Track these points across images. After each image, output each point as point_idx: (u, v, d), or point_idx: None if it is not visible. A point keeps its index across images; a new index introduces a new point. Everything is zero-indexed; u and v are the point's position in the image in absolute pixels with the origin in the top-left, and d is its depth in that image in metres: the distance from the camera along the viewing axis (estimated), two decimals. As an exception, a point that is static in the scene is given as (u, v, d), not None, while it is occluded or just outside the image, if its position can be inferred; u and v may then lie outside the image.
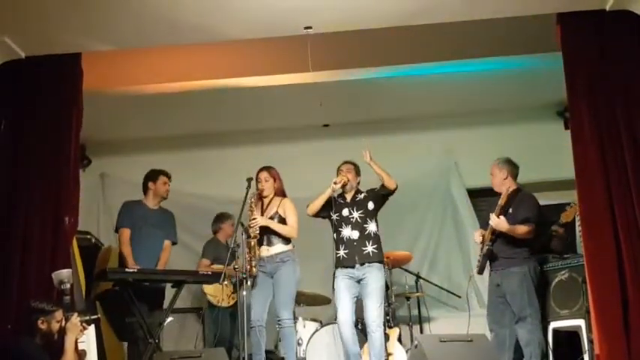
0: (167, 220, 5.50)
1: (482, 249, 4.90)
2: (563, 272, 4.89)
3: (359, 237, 4.84)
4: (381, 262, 4.86)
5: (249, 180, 5.01)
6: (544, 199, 6.57)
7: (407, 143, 6.92)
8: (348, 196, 4.99)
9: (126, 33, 4.68)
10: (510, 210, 4.83)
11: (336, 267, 4.89)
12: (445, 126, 6.94)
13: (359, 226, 4.87)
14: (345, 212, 4.92)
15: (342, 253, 4.85)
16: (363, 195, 4.99)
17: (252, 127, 6.88)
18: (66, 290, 4.11)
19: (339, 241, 4.89)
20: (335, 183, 4.86)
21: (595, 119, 4.58)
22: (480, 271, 4.99)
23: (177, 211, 6.37)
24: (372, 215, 4.92)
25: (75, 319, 3.92)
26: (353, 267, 4.81)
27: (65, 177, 4.72)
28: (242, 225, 4.96)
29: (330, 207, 4.95)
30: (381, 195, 4.94)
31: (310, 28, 4.71)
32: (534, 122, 6.84)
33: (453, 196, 6.78)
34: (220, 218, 6.21)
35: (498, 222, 4.73)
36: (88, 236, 5.79)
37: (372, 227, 4.88)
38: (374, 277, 4.78)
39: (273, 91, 5.91)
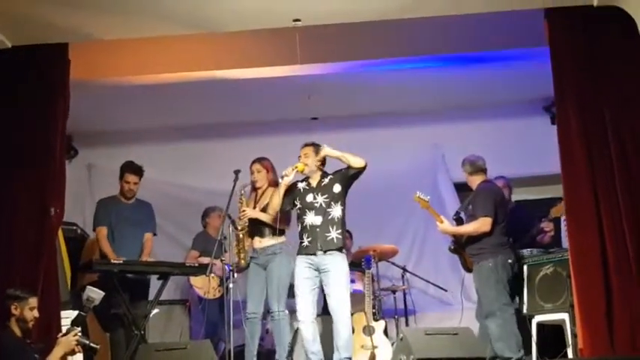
0: (144, 213, 5.48)
1: None
2: (547, 266, 4.92)
3: (322, 222, 4.60)
4: (342, 248, 4.63)
5: (237, 172, 5.00)
6: (531, 194, 6.66)
7: (394, 137, 6.93)
8: (314, 181, 4.75)
9: (113, 24, 4.66)
10: (470, 206, 4.93)
11: (298, 254, 4.68)
12: (433, 120, 6.95)
13: (322, 210, 4.62)
14: (309, 198, 4.68)
15: (305, 241, 4.62)
16: (328, 178, 4.74)
17: (240, 119, 6.86)
18: (86, 308, 4.01)
19: (302, 230, 4.67)
20: (282, 177, 4.66)
21: (581, 115, 4.61)
22: (466, 270, 5.06)
23: (164, 204, 6.37)
24: (338, 199, 4.65)
25: (71, 337, 3.81)
26: (314, 254, 4.59)
27: (51, 167, 4.70)
28: (229, 217, 4.95)
29: (293, 196, 4.75)
30: (350, 175, 4.67)
31: (299, 20, 4.70)
32: (521, 117, 6.86)
33: (439, 189, 6.80)
34: (207, 212, 6.21)
35: (441, 227, 4.90)
36: (74, 227, 5.77)
37: (336, 212, 4.62)
38: (336, 264, 4.56)
39: (261, 83, 5.89)
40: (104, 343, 5.45)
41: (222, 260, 4.99)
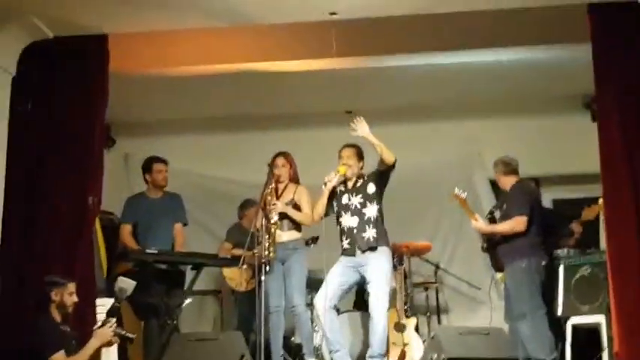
0: (174, 204, 5.51)
1: None
2: (585, 267, 4.82)
3: (358, 223, 4.64)
4: (384, 245, 4.65)
5: (270, 165, 5.01)
6: (568, 193, 6.52)
7: (430, 132, 6.86)
8: (350, 183, 4.79)
9: (152, 15, 4.69)
10: (504, 206, 4.86)
11: (341, 254, 4.75)
12: (469, 115, 6.85)
13: (358, 211, 4.67)
14: (345, 199, 4.73)
15: (344, 243, 4.68)
16: (363, 179, 4.77)
17: (274, 111, 6.87)
18: (119, 298, 4.08)
19: (341, 232, 4.73)
20: (324, 184, 4.68)
21: (623, 113, 4.50)
22: (495, 269, 5.00)
23: (199, 194, 6.43)
24: (373, 198, 4.67)
25: (108, 328, 3.92)
26: (354, 255, 4.64)
27: (90, 157, 4.77)
28: (262, 209, 4.98)
29: (332, 199, 4.81)
30: (380, 172, 4.68)
31: (335, 13, 4.67)
32: (560, 113, 6.72)
33: (475, 186, 6.71)
34: (245, 205, 6.23)
35: (476, 226, 4.83)
36: (111, 216, 5.86)
37: (371, 211, 4.65)
38: (376, 263, 4.58)
39: (296, 75, 5.89)
40: (138, 332, 5.55)
41: (254, 253, 5.01)
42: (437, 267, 6.26)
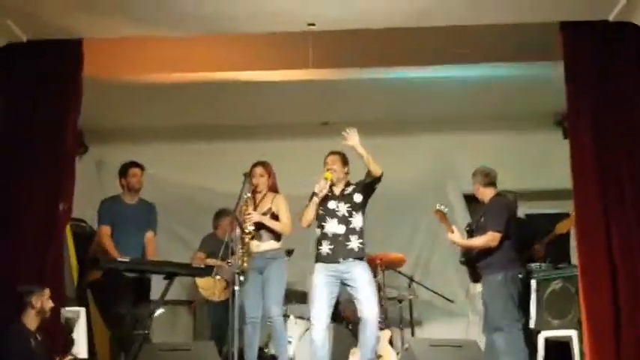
0: (148, 213, 5.46)
1: None
2: (556, 282, 4.88)
3: (344, 232, 4.65)
4: (364, 258, 4.68)
5: (246, 175, 4.98)
6: (540, 208, 6.61)
7: (405, 145, 6.90)
8: (337, 189, 4.79)
9: (127, 21, 4.66)
10: (482, 219, 4.86)
11: (317, 262, 4.69)
12: (444, 130, 6.92)
13: (344, 220, 4.67)
14: (332, 205, 4.72)
15: (325, 248, 4.65)
16: (351, 188, 4.79)
17: (251, 121, 6.86)
18: (68, 329, 4.25)
19: (322, 236, 4.69)
20: (316, 195, 4.67)
21: (594, 129, 4.59)
22: (473, 280, 5.02)
23: (172, 203, 6.36)
24: (359, 208, 4.71)
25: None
26: (337, 262, 4.62)
27: (61, 163, 4.72)
28: (237, 220, 4.94)
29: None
30: (367, 184, 4.71)
31: (314, 24, 4.69)
32: (532, 130, 6.82)
33: (449, 200, 6.76)
34: (220, 214, 6.18)
35: (452, 238, 4.83)
36: (83, 224, 5.77)
37: (357, 221, 4.68)
38: (361, 271, 4.60)
39: (273, 86, 5.90)
40: (107, 341, 5.46)
41: (228, 263, 4.98)
42: (411, 279, 6.27)
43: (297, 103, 6.42)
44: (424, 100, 6.42)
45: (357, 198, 4.72)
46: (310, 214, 4.73)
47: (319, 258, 4.68)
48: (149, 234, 5.42)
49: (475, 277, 4.99)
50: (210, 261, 5.64)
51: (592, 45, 4.68)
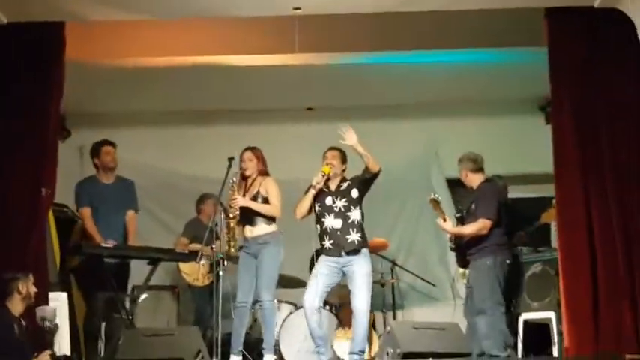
0: (126, 191, 5.43)
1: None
2: (536, 265, 4.95)
3: (342, 226, 4.71)
4: (366, 247, 4.74)
5: (231, 159, 4.97)
6: (523, 192, 6.68)
7: (389, 130, 6.91)
8: (332, 185, 4.83)
9: (110, 4, 4.61)
10: (472, 205, 4.84)
11: (322, 254, 4.78)
12: (428, 115, 6.94)
13: (342, 214, 4.73)
14: (329, 201, 4.78)
15: (327, 243, 4.73)
16: (347, 183, 4.84)
17: (235, 106, 6.83)
18: (49, 329, 4.24)
19: (323, 232, 4.76)
20: (313, 187, 4.70)
21: (576, 118, 4.64)
22: (461, 265, 5.05)
23: (155, 188, 6.34)
24: (357, 203, 4.78)
25: (45, 356, 4.08)
26: (339, 256, 4.70)
27: (44, 148, 4.68)
28: (221, 205, 4.93)
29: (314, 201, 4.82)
30: (365, 179, 4.78)
31: (299, 9, 4.67)
32: (516, 115, 6.86)
33: (432, 185, 6.80)
34: (202, 199, 6.17)
35: (443, 226, 4.82)
36: (65, 209, 5.72)
37: (355, 215, 4.75)
38: (360, 264, 4.68)
39: (257, 70, 5.87)
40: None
41: (212, 248, 4.97)
42: (393, 263, 6.32)
43: (282, 88, 6.40)
44: (409, 85, 6.43)
45: (354, 193, 4.78)
46: (304, 206, 4.78)
47: (323, 252, 4.77)
48: (130, 213, 5.39)
49: (463, 263, 5.01)
50: (194, 246, 5.64)
51: (576, 31, 4.71)
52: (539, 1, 4.68)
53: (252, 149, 5.03)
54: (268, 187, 4.90)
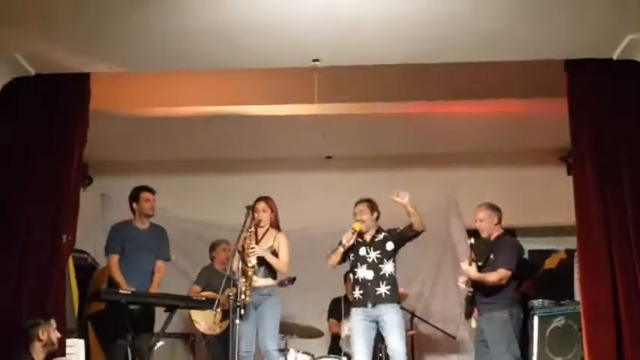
0: (159, 238, 5.43)
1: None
2: (559, 318, 4.86)
3: (373, 277, 4.76)
4: (395, 302, 4.78)
5: (249, 208, 5.00)
6: (543, 244, 6.59)
7: (408, 180, 6.84)
8: (367, 236, 4.89)
9: (133, 57, 4.71)
10: (492, 256, 4.82)
11: (352, 306, 4.86)
12: (447, 165, 6.93)
13: (374, 266, 4.78)
14: (362, 252, 4.84)
15: (357, 293, 4.79)
16: (383, 235, 4.88)
17: (255, 155, 6.89)
18: None
19: (355, 282, 4.83)
20: (343, 245, 4.76)
21: (598, 167, 4.59)
22: (466, 316, 4.98)
23: (174, 235, 6.35)
24: (390, 256, 4.82)
25: None
26: (366, 307, 4.74)
27: (66, 195, 4.73)
28: (239, 252, 4.93)
29: (348, 251, 4.88)
30: (405, 237, 4.85)
31: (318, 60, 4.73)
32: (537, 166, 6.83)
33: (452, 235, 6.75)
34: (214, 246, 6.18)
35: (467, 269, 4.77)
36: (85, 256, 5.77)
37: (387, 268, 4.78)
38: (390, 314, 4.70)
39: (277, 120, 5.93)
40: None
41: (229, 295, 4.96)
42: (412, 314, 6.22)
43: (301, 138, 6.44)
44: (428, 135, 6.45)
45: (389, 246, 4.83)
46: (334, 260, 4.88)
47: (353, 303, 4.84)
48: (159, 262, 5.37)
49: (470, 314, 4.94)
50: (206, 293, 5.60)
51: (596, 82, 4.71)
52: (559, 53, 4.69)
53: (266, 199, 5.08)
54: (281, 243, 4.98)
